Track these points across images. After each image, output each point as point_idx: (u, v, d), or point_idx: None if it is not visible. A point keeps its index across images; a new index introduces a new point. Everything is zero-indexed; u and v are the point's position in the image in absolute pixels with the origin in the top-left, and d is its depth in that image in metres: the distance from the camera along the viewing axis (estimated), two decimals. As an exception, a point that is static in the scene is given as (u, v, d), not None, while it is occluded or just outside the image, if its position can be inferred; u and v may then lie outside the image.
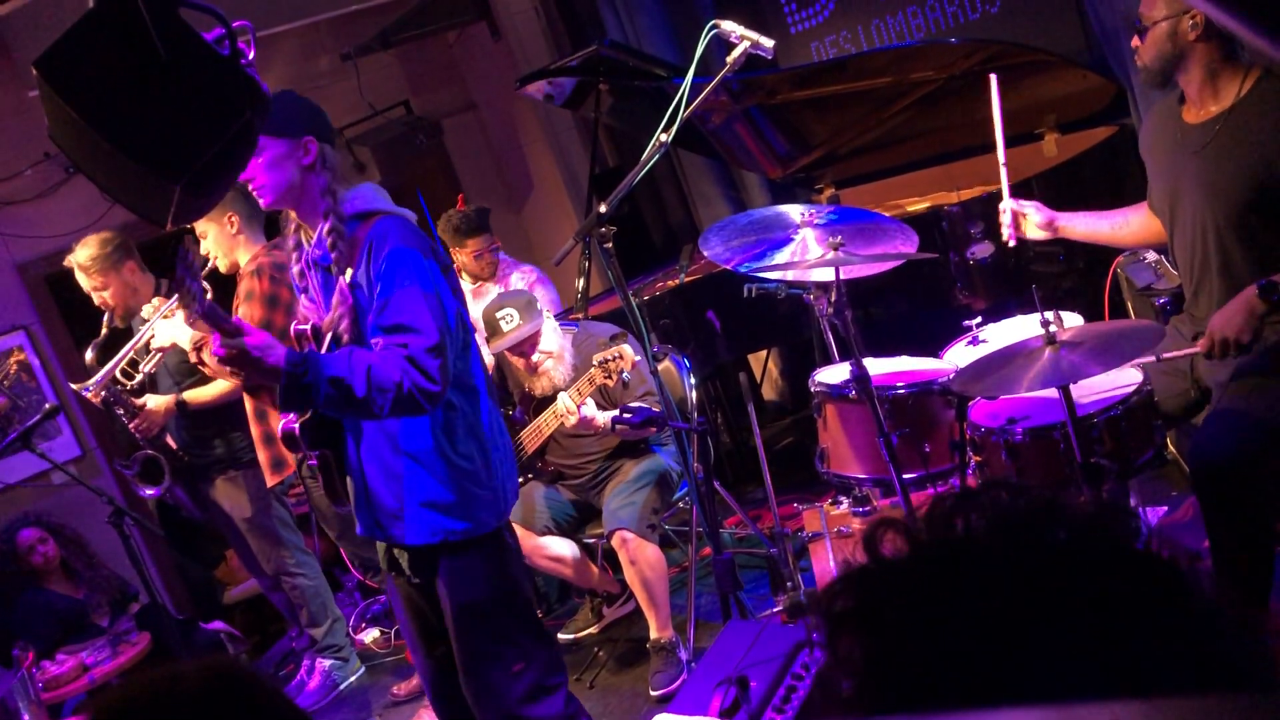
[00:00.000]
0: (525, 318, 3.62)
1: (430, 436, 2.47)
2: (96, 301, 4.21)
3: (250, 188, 2.45)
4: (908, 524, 0.71)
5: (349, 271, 2.43)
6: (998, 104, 3.14)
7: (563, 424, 3.66)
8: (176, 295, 2.44)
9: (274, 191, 2.44)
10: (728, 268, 3.34)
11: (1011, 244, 3.05)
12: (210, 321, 2.29)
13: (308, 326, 2.51)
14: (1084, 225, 3.05)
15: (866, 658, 0.67)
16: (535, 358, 3.69)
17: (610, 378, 3.53)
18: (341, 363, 2.26)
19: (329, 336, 2.46)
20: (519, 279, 4.70)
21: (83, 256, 4.14)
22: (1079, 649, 0.62)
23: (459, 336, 2.45)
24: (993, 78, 3.19)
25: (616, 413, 3.56)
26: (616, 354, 3.52)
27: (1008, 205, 3.03)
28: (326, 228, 2.43)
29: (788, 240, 3.30)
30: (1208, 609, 0.66)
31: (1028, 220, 3.01)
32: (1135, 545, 0.68)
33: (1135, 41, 2.70)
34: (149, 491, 4.21)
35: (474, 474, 2.50)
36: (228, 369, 2.34)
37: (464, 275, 4.67)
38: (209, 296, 3.89)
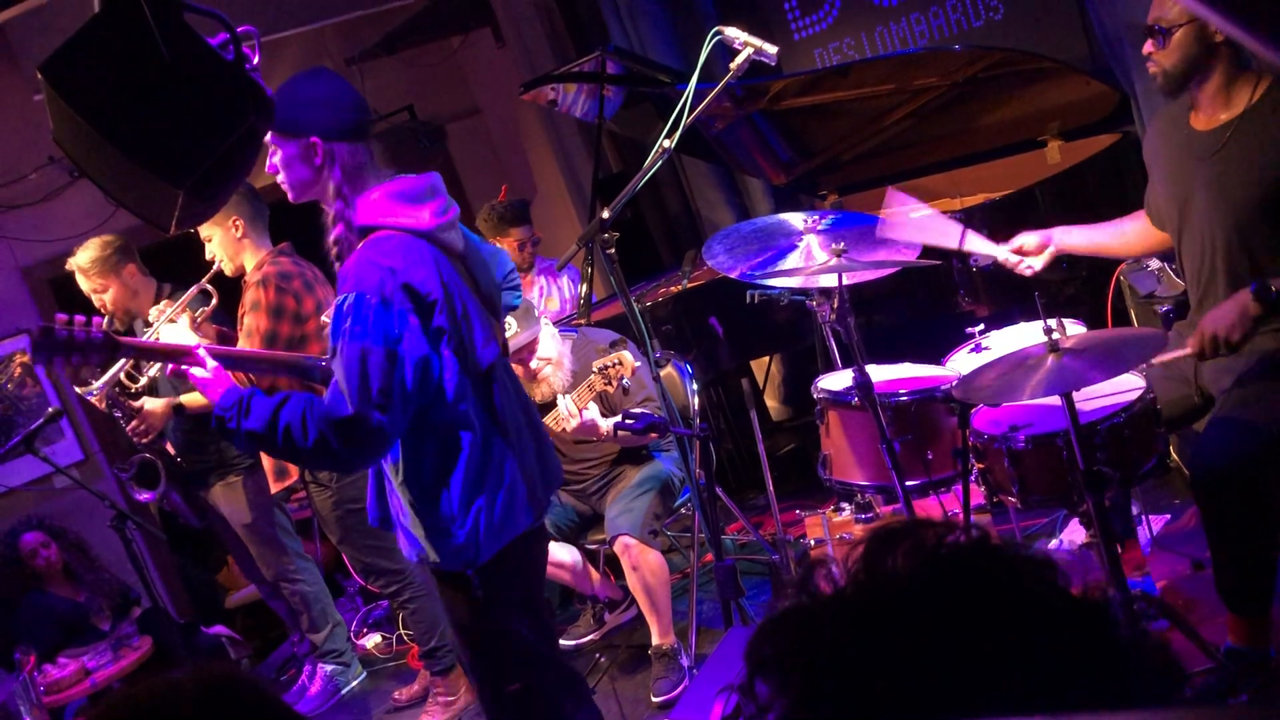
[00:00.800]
0: (523, 325, 3.62)
1: (402, 470, 2.42)
2: (96, 304, 4.21)
3: (278, 182, 2.40)
4: (836, 564, 0.71)
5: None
6: (912, 205, 3.14)
7: (564, 430, 3.66)
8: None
9: (296, 189, 2.38)
10: (732, 277, 3.34)
11: (1036, 269, 3.05)
12: (146, 358, 2.35)
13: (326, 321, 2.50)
14: (1082, 239, 3.05)
15: (789, 695, 0.68)
16: (534, 364, 3.69)
17: (610, 384, 3.53)
18: (265, 416, 2.26)
19: None
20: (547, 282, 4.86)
21: (83, 259, 4.14)
22: (998, 685, 0.63)
23: (426, 385, 2.29)
24: (889, 191, 3.18)
25: (619, 419, 3.57)
26: (616, 360, 3.51)
27: (1004, 254, 3.05)
28: (334, 236, 2.36)
29: (792, 248, 3.30)
30: (1125, 643, 0.67)
31: (1027, 250, 3.03)
32: (1054, 584, 0.69)
33: (1148, 47, 2.65)
34: (144, 495, 4.21)
35: (439, 517, 2.40)
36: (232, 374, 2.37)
37: None
38: (214, 301, 3.94)
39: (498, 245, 4.69)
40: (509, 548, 2.46)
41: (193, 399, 4.15)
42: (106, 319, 4.20)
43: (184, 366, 2.42)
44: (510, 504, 2.43)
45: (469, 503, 2.38)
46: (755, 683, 0.70)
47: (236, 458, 4.28)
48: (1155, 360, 2.73)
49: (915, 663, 0.64)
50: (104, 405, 4.05)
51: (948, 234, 3.10)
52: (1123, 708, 0.64)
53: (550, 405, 3.72)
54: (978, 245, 3.10)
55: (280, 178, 2.38)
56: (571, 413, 3.57)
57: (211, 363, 2.40)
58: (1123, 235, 3.03)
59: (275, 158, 2.36)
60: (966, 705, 0.63)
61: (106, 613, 4.80)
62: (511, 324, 3.61)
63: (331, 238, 2.37)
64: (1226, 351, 2.58)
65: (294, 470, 3.93)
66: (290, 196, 2.41)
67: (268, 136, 2.32)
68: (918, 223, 3.12)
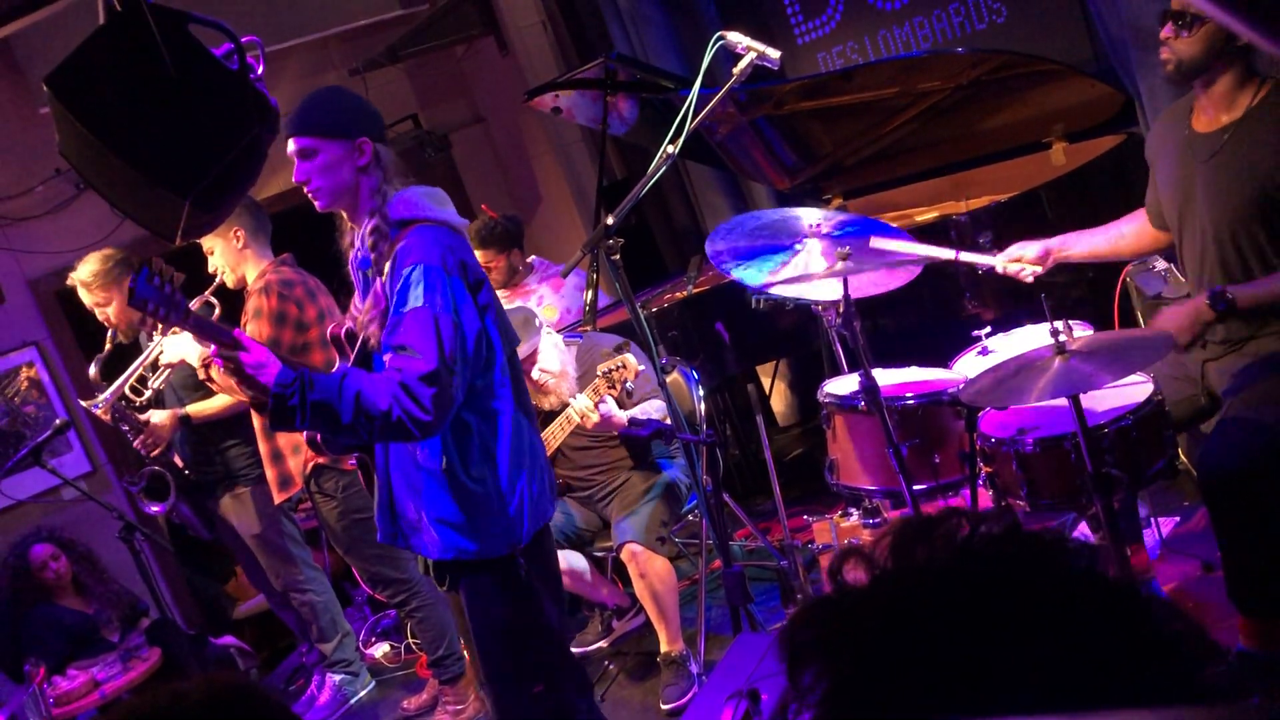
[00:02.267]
0: (523, 335, 3.62)
1: (444, 455, 2.45)
2: (99, 318, 4.22)
3: (305, 190, 2.42)
4: (870, 553, 0.72)
5: (382, 277, 2.43)
6: (898, 241, 3.14)
7: (583, 424, 3.63)
8: (150, 319, 2.43)
9: (330, 195, 2.42)
10: (731, 276, 3.33)
11: (1036, 276, 3.06)
12: (202, 334, 2.32)
13: (344, 330, 2.53)
14: (1083, 247, 3.06)
15: (826, 688, 0.68)
16: (535, 375, 3.68)
17: (614, 387, 3.53)
18: (332, 387, 2.24)
19: (360, 339, 2.48)
20: (549, 291, 4.83)
21: (85, 273, 4.15)
22: (1036, 676, 0.63)
23: (478, 358, 2.39)
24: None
25: (634, 411, 3.57)
26: (620, 364, 3.51)
27: (1002, 264, 3.06)
28: (370, 227, 2.41)
29: (794, 247, 3.29)
30: (1163, 629, 0.67)
31: (1025, 260, 3.03)
32: (1089, 570, 0.69)
33: (1167, 32, 2.63)
34: (154, 508, 4.22)
35: (485, 497, 2.45)
36: (234, 384, 2.35)
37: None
38: (217, 313, 3.95)
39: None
40: (541, 533, 2.56)
41: (200, 409, 4.16)
42: (110, 332, 4.21)
43: (231, 352, 2.28)
44: (542, 484, 2.54)
45: (514, 481, 2.47)
46: (796, 670, 0.70)
47: (244, 468, 4.28)
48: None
49: (958, 647, 0.65)
50: (109, 417, 4.06)
51: (942, 253, 3.12)
52: (1166, 692, 0.64)
53: (557, 414, 3.72)
54: (974, 259, 3.11)
55: (311, 184, 2.39)
56: (589, 408, 3.56)
57: (258, 347, 2.30)
58: (1121, 238, 3.03)
59: (313, 163, 2.37)
60: (1008, 693, 0.63)
61: (115, 624, 4.80)
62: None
63: (368, 228, 2.42)
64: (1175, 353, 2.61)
65: (298, 480, 3.93)
66: (320, 204, 2.44)
67: (300, 144, 2.35)
68: (909, 251, 3.14)
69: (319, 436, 2.54)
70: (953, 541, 0.70)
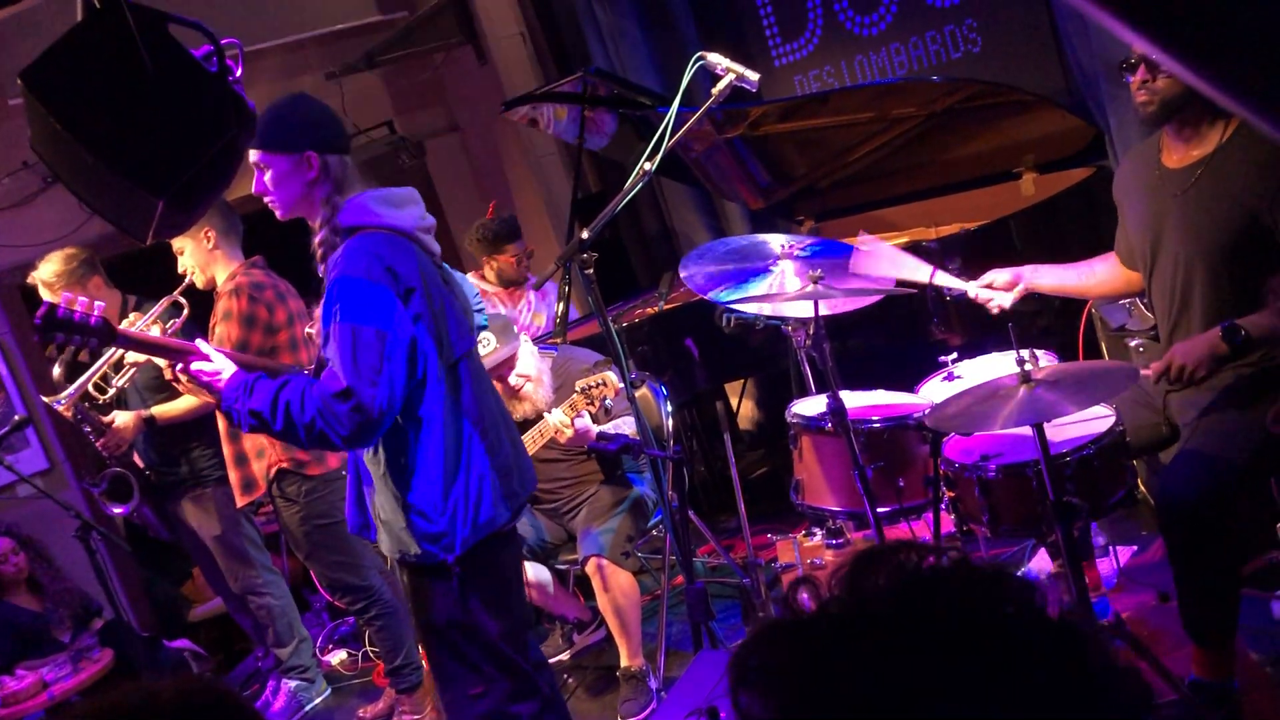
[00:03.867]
0: (502, 340, 3.62)
1: (383, 461, 2.48)
2: None
3: (265, 201, 2.48)
4: (820, 582, 0.73)
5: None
6: (881, 247, 3.17)
7: (556, 438, 3.63)
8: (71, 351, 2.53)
9: (285, 206, 2.48)
10: (704, 295, 3.35)
11: (1005, 307, 3.09)
12: (143, 351, 2.41)
13: (313, 330, 2.58)
14: (1051, 279, 3.09)
15: (769, 711, 0.68)
16: (513, 380, 3.68)
17: (593, 404, 3.54)
18: (267, 396, 2.33)
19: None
20: (536, 299, 4.94)
21: (47, 273, 4.09)
22: (973, 709, 0.64)
23: (410, 368, 2.38)
24: (861, 233, 3.22)
25: (606, 426, 3.58)
26: (600, 380, 3.52)
27: (974, 290, 3.09)
28: (318, 239, 2.46)
29: (766, 270, 3.32)
30: (1099, 667, 0.68)
31: (996, 288, 3.06)
32: (1030, 606, 0.70)
33: (1141, 74, 2.64)
34: (118, 510, 4.17)
35: (418, 506, 2.46)
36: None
37: (497, 283, 4.98)
38: (185, 313, 3.91)
39: (495, 263, 4.84)
40: (486, 542, 2.53)
41: (164, 410, 4.12)
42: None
43: (187, 363, 2.42)
44: (483, 493, 2.51)
45: (448, 489, 2.46)
46: (739, 694, 0.71)
47: (206, 469, 4.24)
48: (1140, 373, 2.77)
49: (895, 680, 0.65)
50: (71, 414, 4.00)
51: (918, 271, 3.14)
52: None
53: (532, 423, 3.71)
54: (948, 281, 3.14)
55: (269, 198, 2.47)
56: (565, 424, 3.57)
57: (215, 354, 2.44)
58: (1092, 275, 3.07)
59: (266, 176, 2.45)
60: None
61: (67, 624, 4.73)
62: (490, 340, 3.60)
63: (316, 241, 2.47)
64: (1185, 384, 2.63)
65: (262, 485, 3.90)
66: (279, 214, 2.51)
67: (255, 156, 2.43)
68: (890, 258, 3.16)
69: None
70: (901, 573, 0.70)
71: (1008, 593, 0.70)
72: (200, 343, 2.46)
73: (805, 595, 0.76)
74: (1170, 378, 2.65)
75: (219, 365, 2.42)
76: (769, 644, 0.72)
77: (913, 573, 0.70)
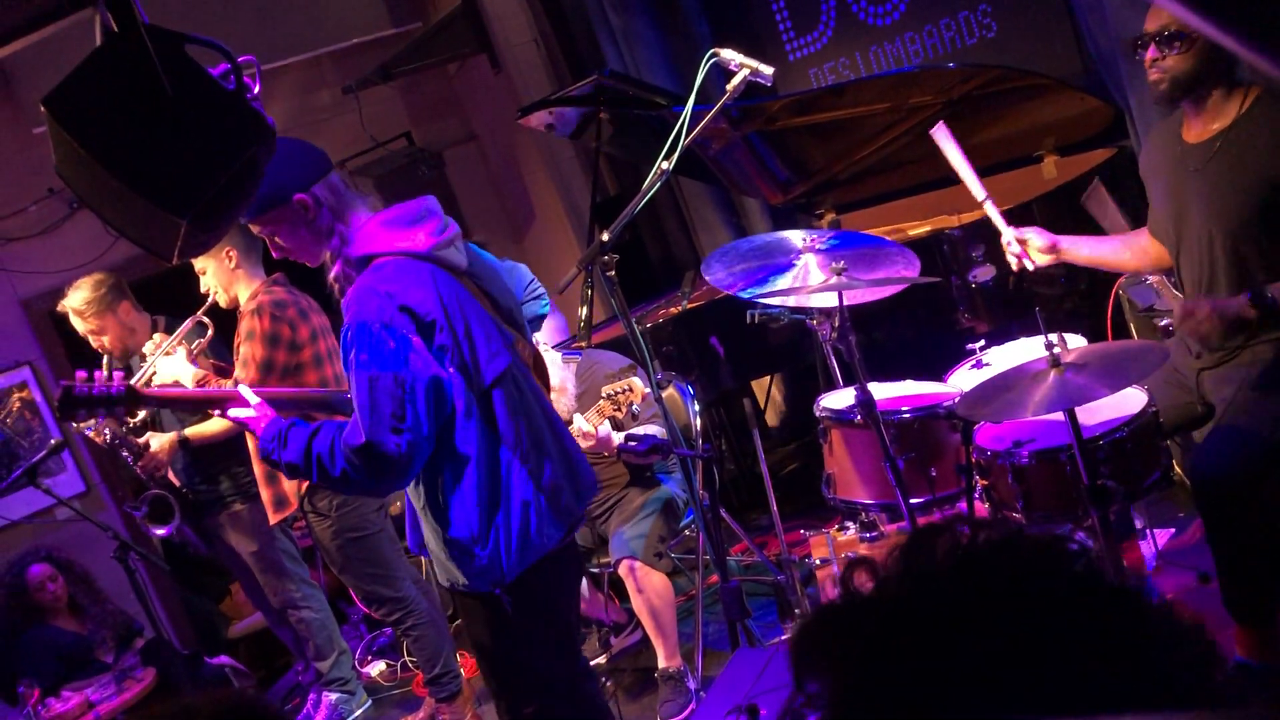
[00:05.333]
0: None
1: (423, 495, 2.46)
2: (94, 344, 4.19)
3: (297, 261, 2.46)
4: (877, 562, 0.73)
5: None
6: (955, 148, 3.14)
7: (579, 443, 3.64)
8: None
9: (306, 254, 2.44)
10: (731, 294, 3.34)
11: (1031, 268, 3.05)
12: (172, 405, 2.41)
13: None
14: (1087, 250, 3.06)
15: (832, 693, 0.68)
16: None
17: (620, 410, 3.54)
18: (300, 448, 2.33)
19: None
20: None
21: (77, 301, 4.12)
22: (1040, 678, 0.63)
23: (440, 405, 2.32)
24: (941, 124, 3.18)
25: (622, 438, 3.56)
26: (626, 387, 3.52)
27: (1009, 236, 3.04)
28: (333, 275, 2.42)
29: (790, 266, 3.31)
30: (1164, 632, 0.68)
31: (1031, 246, 3.02)
32: (1090, 575, 0.69)
33: (1152, 53, 2.64)
34: (160, 531, 4.21)
35: (460, 542, 2.43)
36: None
37: None
38: (210, 333, 3.95)
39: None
40: (538, 566, 2.47)
41: (198, 431, 4.15)
42: (106, 358, 4.19)
43: (224, 411, 2.45)
44: (528, 520, 2.42)
45: (488, 521, 2.40)
46: (804, 678, 0.71)
47: (242, 486, 4.27)
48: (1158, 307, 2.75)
49: (960, 651, 0.65)
50: (104, 441, 4.04)
51: (974, 187, 3.10)
52: (1172, 695, 0.64)
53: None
54: (993, 214, 3.09)
55: (289, 255, 2.45)
56: (586, 432, 3.56)
57: (254, 399, 2.44)
58: (1128, 249, 3.03)
59: (277, 240, 2.42)
60: (1013, 697, 0.63)
61: (110, 645, 4.78)
62: None
63: (331, 275, 2.42)
64: (1203, 333, 2.62)
65: (293, 501, 3.92)
66: (311, 264, 2.47)
67: (257, 229, 2.41)
68: (958, 161, 3.11)
69: None
70: (956, 548, 0.70)
71: (1066, 559, 0.70)
72: (239, 386, 2.44)
73: (863, 576, 0.77)
74: (1194, 317, 2.63)
75: (254, 412, 2.42)
76: (830, 625, 0.72)
77: (969, 546, 0.70)
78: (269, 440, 2.37)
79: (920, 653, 0.66)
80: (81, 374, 2.38)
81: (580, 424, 3.58)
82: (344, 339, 2.30)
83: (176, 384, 3.97)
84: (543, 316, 2.78)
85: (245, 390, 2.45)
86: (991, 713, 0.63)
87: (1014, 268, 3.07)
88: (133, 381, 4.02)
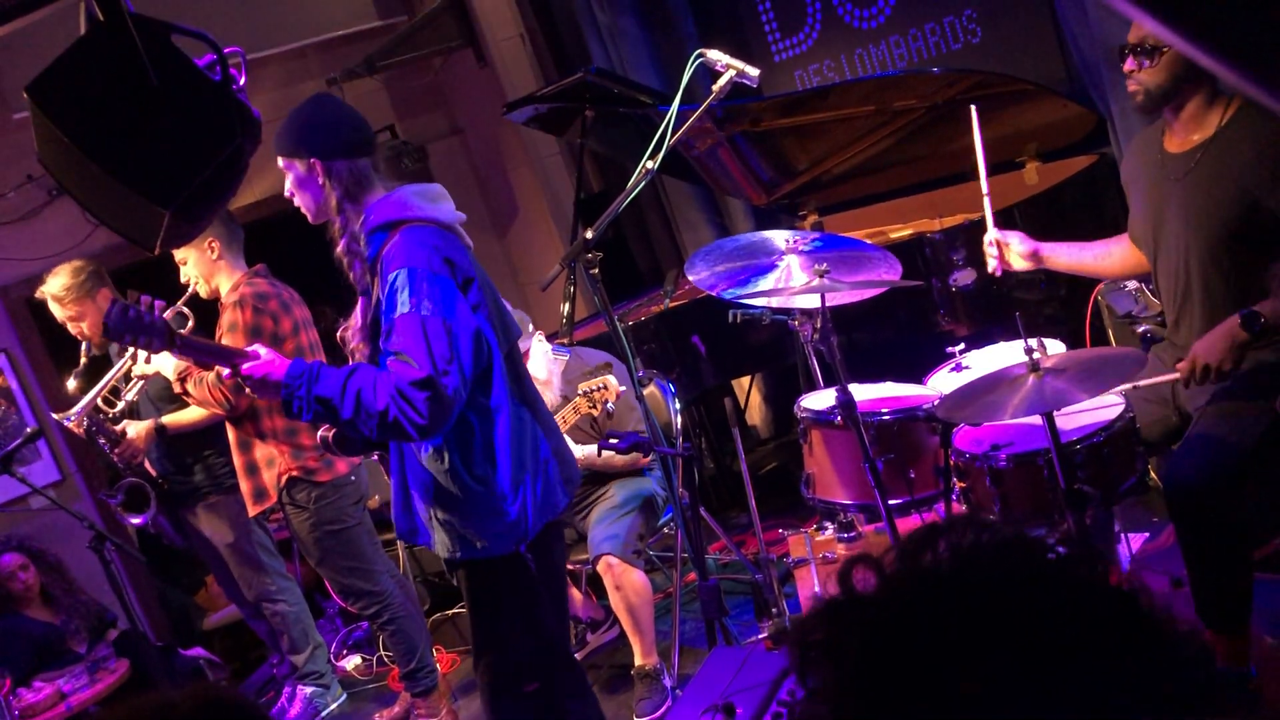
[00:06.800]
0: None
1: (446, 456, 2.46)
2: (72, 331, 4.14)
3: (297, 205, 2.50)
4: (879, 559, 0.73)
5: (374, 289, 2.44)
6: (979, 134, 3.17)
7: None
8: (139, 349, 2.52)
9: (309, 211, 2.50)
10: (713, 294, 3.35)
11: (997, 274, 3.08)
12: (201, 356, 2.41)
13: (347, 333, 2.55)
14: (1067, 256, 3.08)
15: (835, 688, 0.69)
16: None
17: (595, 407, 3.55)
18: (335, 382, 2.29)
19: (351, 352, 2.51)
20: None
21: (55, 287, 4.08)
22: (1036, 679, 0.64)
23: (477, 356, 2.37)
24: (973, 108, 3.21)
25: (593, 449, 3.57)
26: (600, 384, 3.53)
27: (992, 236, 3.06)
28: (339, 250, 2.45)
29: (773, 266, 3.32)
30: (1164, 640, 0.69)
31: (1011, 250, 3.04)
32: (1094, 579, 0.70)
33: (1129, 65, 2.68)
34: (135, 520, 4.19)
35: (488, 497, 2.45)
36: (214, 399, 2.40)
37: None
38: (190, 324, 3.93)
39: None
40: (546, 530, 2.55)
41: (175, 420, 4.13)
42: (85, 345, 4.15)
43: (238, 366, 2.39)
44: (550, 478, 2.52)
45: (518, 479, 2.46)
46: (805, 672, 0.72)
47: (219, 478, 4.25)
48: (1141, 385, 2.76)
49: (962, 646, 0.66)
50: (82, 431, 4.01)
51: (983, 179, 3.13)
52: (1169, 696, 0.65)
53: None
54: (987, 209, 3.12)
55: (296, 201, 2.49)
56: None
57: (265, 351, 2.39)
58: (1108, 256, 3.05)
59: (288, 181, 2.47)
60: (1012, 696, 0.64)
61: (83, 635, 4.75)
62: None
63: (338, 250, 2.46)
64: (1217, 379, 2.60)
65: (273, 494, 3.91)
66: (310, 219, 2.52)
67: (279, 160, 2.46)
68: (979, 149, 3.14)
69: (332, 439, 2.56)
70: (958, 548, 0.71)
71: (1067, 563, 0.71)
72: (258, 346, 2.42)
73: (862, 573, 0.77)
74: (1197, 379, 2.62)
75: (273, 357, 2.38)
76: (832, 620, 0.72)
77: (972, 545, 0.71)
78: (296, 375, 2.30)
79: (922, 652, 0.66)
80: (132, 294, 2.38)
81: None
82: (390, 284, 2.32)
83: (158, 374, 3.96)
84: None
85: (261, 350, 2.41)
86: (993, 713, 0.64)
87: (989, 269, 3.09)
88: (114, 370, 4.03)
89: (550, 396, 3.74)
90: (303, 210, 2.50)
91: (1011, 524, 0.74)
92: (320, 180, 2.42)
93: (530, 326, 3.74)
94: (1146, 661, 0.67)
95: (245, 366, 2.36)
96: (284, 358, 2.39)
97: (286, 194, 2.49)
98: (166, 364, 3.82)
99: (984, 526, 0.72)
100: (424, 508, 2.55)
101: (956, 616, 0.67)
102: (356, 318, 2.49)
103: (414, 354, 2.27)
